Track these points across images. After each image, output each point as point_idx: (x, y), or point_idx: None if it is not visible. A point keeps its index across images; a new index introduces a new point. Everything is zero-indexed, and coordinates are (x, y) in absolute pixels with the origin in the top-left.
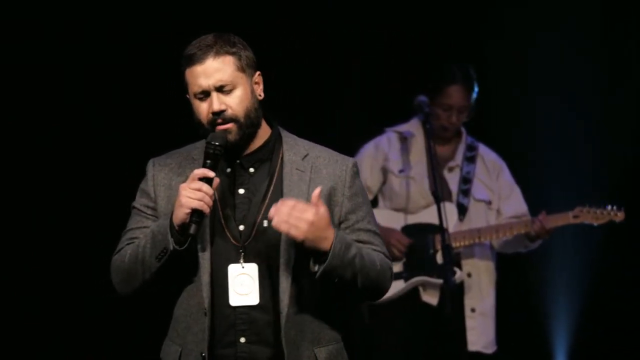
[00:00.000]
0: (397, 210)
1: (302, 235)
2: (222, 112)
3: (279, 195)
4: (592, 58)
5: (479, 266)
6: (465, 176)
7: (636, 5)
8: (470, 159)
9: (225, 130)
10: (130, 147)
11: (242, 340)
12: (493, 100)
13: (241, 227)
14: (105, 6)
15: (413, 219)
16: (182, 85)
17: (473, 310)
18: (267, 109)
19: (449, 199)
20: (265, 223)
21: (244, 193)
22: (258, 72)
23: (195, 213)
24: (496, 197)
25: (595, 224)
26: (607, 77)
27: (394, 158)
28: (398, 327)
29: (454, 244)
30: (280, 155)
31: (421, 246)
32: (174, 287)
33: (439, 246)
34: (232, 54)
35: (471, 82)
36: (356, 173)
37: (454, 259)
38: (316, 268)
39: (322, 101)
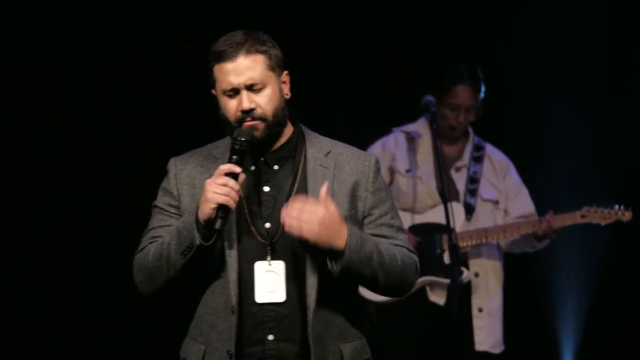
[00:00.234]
0: (404, 210)
1: (314, 233)
2: (251, 110)
3: (303, 192)
4: (592, 58)
5: (487, 266)
6: (472, 176)
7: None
8: (478, 158)
9: (252, 127)
10: (130, 147)
11: (270, 337)
12: (500, 100)
13: (267, 225)
14: (105, 6)
15: (420, 219)
16: (208, 81)
17: (480, 310)
18: None
19: (456, 199)
20: None
21: (269, 191)
22: (286, 72)
23: (222, 208)
24: (503, 197)
25: (603, 223)
26: (607, 77)
27: (401, 158)
28: (405, 327)
29: (461, 244)
30: (304, 153)
31: (428, 246)
32: (192, 286)
33: (446, 246)
34: (263, 52)
35: (478, 82)
36: (379, 169)
37: (461, 259)
38: (334, 267)
39: (328, 101)
